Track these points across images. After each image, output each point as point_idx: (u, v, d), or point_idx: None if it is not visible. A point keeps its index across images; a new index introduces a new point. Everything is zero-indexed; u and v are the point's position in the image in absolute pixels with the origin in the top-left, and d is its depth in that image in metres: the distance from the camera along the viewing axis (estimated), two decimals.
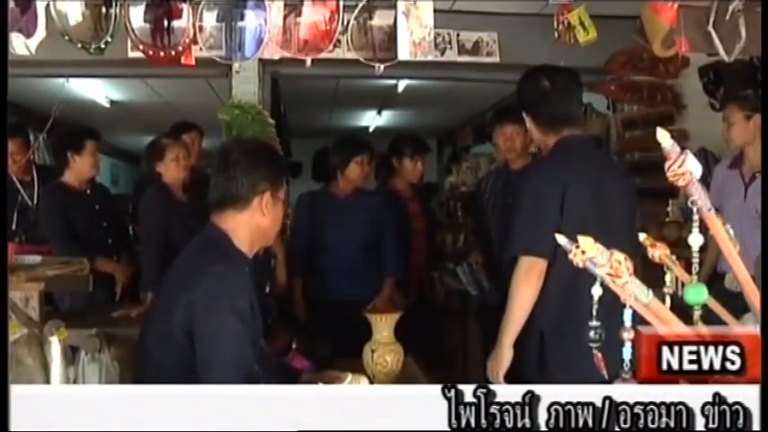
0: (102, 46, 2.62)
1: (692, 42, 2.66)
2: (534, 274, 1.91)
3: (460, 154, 7.54)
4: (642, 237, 0.89)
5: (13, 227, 3.46)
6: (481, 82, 4.57)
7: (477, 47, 3.81)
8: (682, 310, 0.90)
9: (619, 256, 0.74)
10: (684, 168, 0.80)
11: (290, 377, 2.02)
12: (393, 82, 5.42)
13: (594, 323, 0.82)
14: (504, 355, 1.96)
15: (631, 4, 3.21)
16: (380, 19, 2.92)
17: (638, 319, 0.84)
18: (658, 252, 0.88)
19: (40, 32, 2.55)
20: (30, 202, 3.62)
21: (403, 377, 2.40)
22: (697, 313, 0.88)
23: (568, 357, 1.90)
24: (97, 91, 5.78)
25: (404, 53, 2.83)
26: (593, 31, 3.03)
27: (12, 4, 2.51)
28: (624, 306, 0.78)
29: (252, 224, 1.77)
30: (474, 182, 5.93)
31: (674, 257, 0.89)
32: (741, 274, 0.84)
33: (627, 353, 0.83)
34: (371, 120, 7.75)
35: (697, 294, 0.86)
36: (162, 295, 1.78)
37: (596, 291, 0.78)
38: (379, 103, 6.70)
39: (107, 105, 6.24)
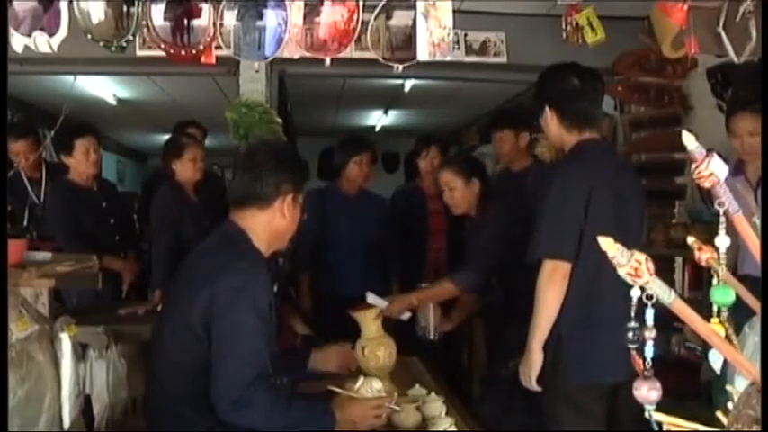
0: (124, 44, 2.64)
1: (701, 43, 2.65)
2: (559, 276, 1.91)
3: (466, 154, 7.53)
4: (690, 240, 0.88)
5: (25, 223, 3.48)
6: (488, 82, 4.57)
7: (484, 47, 3.81)
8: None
9: (639, 256, 0.74)
10: (710, 170, 0.79)
11: (295, 378, 2.03)
12: (400, 82, 5.42)
13: (633, 324, 0.82)
14: (535, 358, 1.97)
15: (639, 5, 3.21)
16: (399, 19, 2.93)
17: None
18: (705, 255, 0.86)
19: (63, 31, 2.57)
20: (37, 199, 3.64)
21: (409, 376, 2.41)
22: (724, 314, 0.87)
23: (583, 358, 1.91)
24: (105, 89, 5.80)
25: (423, 54, 2.84)
26: (601, 32, 3.02)
27: (35, 3, 2.53)
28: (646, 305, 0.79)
29: (272, 225, 1.80)
30: None
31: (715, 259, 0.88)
32: None
33: (649, 351, 0.82)
34: (378, 119, 7.76)
35: (724, 295, 0.85)
36: (180, 290, 1.79)
37: (635, 293, 0.77)
38: (386, 102, 6.71)
39: (114, 103, 6.26)
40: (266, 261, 1.84)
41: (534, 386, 1.99)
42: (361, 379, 1.91)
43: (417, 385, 2.23)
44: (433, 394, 2.14)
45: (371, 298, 2.56)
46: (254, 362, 1.64)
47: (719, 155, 2.52)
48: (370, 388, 1.87)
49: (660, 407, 0.84)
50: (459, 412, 2.11)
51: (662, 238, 3.60)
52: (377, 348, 2.31)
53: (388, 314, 2.55)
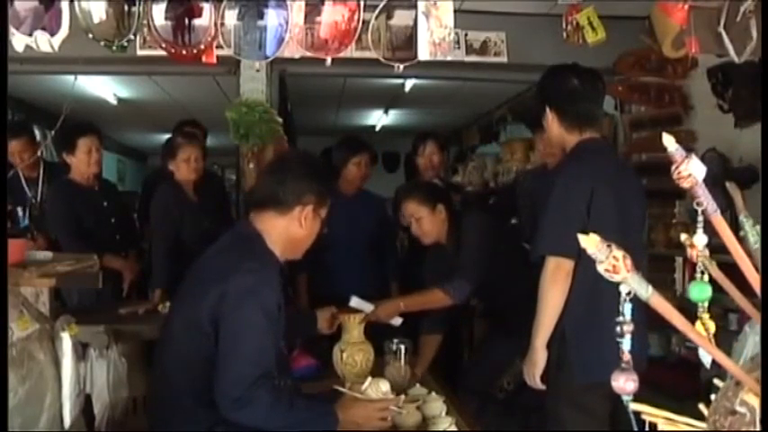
0: (125, 44, 2.64)
1: (702, 43, 2.65)
2: (562, 274, 1.91)
3: (467, 153, 7.54)
4: (683, 237, 0.90)
5: (25, 223, 3.49)
6: (489, 82, 4.57)
7: (485, 47, 3.81)
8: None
9: (617, 253, 0.76)
10: (689, 171, 0.81)
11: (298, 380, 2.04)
12: (400, 81, 5.42)
13: (621, 318, 0.83)
14: (539, 357, 1.97)
15: (639, 5, 3.21)
16: (400, 19, 2.93)
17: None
18: (696, 252, 0.89)
19: (64, 30, 2.57)
20: (34, 199, 3.65)
21: (409, 375, 2.41)
22: (701, 310, 0.90)
23: (587, 357, 1.91)
24: (105, 88, 5.80)
25: (424, 53, 2.84)
26: (601, 32, 3.03)
27: (36, 2, 2.54)
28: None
29: (288, 232, 1.82)
30: (480, 181, 5.93)
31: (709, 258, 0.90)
32: (749, 274, 0.85)
33: (626, 344, 0.84)
34: (378, 119, 7.76)
35: (701, 292, 0.87)
36: (191, 286, 1.81)
37: (624, 288, 0.79)
38: (386, 102, 6.71)
39: (114, 103, 6.27)
40: (279, 264, 1.84)
41: (538, 384, 1.99)
42: (369, 379, 1.91)
43: (417, 385, 2.23)
44: (433, 394, 2.15)
45: (355, 301, 2.53)
46: (259, 362, 1.65)
47: (721, 155, 2.51)
48: (377, 389, 1.87)
49: (661, 406, 0.85)
50: (459, 412, 2.11)
51: (662, 237, 3.60)
52: (356, 354, 2.31)
53: (375, 319, 2.52)
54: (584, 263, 1.89)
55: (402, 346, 2.36)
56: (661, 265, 3.44)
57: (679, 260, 3.34)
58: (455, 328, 3.87)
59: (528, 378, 2.01)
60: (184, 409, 1.70)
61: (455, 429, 1.95)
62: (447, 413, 2.03)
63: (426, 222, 2.66)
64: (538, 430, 2.28)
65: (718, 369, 0.87)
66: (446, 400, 2.11)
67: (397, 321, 2.62)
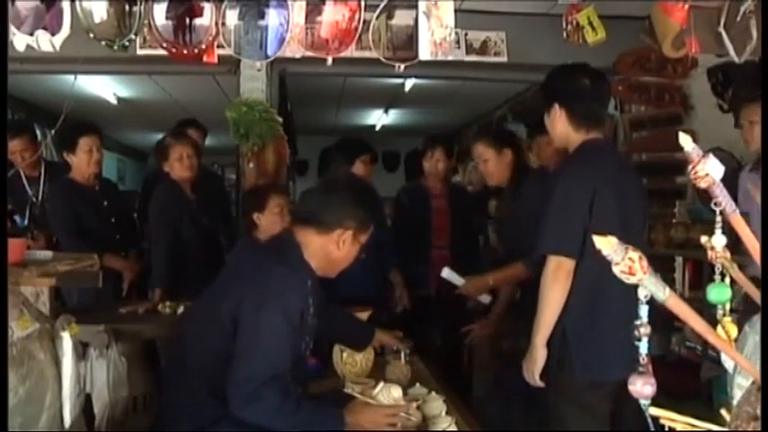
0: (126, 44, 2.64)
1: (702, 43, 2.65)
2: (563, 273, 1.92)
3: (467, 153, 7.53)
4: (704, 239, 0.89)
5: (25, 222, 3.49)
6: (489, 81, 4.57)
7: (485, 46, 3.82)
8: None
9: (633, 255, 0.75)
10: (705, 171, 0.80)
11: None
12: (400, 81, 5.42)
13: (638, 322, 0.83)
14: (539, 354, 1.97)
15: (639, 5, 3.21)
16: (400, 19, 2.94)
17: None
18: (716, 254, 0.88)
19: (65, 30, 2.58)
20: (35, 198, 3.65)
21: (410, 375, 2.41)
22: (721, 313, 0.89)
23: (588, 355, 1.92)
24: (105, 88, 5.80)
25: (425, 53, 2.84)
26: (601, 32, 3.03)
27: (37, 2, 2.54)
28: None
29: (324, 251, 1.85)
30: (480, 181, 5.92)
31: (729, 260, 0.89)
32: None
33: (644, 347, 0.83)
34: (378, 118, 7.76)
35: (720, 294, 0.86)
36: (222, 281, 1.85)
37: (642, 291, 0.78)
38: (386, 101, 6.71)
39: (114, 102, 6.26)
40: (312, 274, 1.86)
41: (538, 382, 2.00)
42: (381, 384, 1.91)
43: (417, 384, 2.23)
44: (433, 393, 2.15)
45: (446, 273, 2.64)
46: (272, 363, 1.67)
47: (723, 150, 2.50)
48: (388, 395, 1.87)
49: (661, 406, 0.85)
50: (460, 411, 2.11)
51: (662, 237, 3.60)
52: (356, 353, 2.31)
53: (465, 293, 2.64)
54: (585, 262, 1.90)
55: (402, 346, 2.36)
56: (661, 264, 3.45)
57: (679, 260, 3.34)
58: (455, 328, 3.87)
59: (527, 376, 2.02)
60: (196, 399, 1.74)
61: (455, 429, 1.95)
62: (447, 413, 2.03)
63: (492, 164, 2.84)
64: (538, 430, 2.27)
65: (718, 369, 0.87)
66: (446, 400, 2.11)
67: (486, 299, 2.66)
